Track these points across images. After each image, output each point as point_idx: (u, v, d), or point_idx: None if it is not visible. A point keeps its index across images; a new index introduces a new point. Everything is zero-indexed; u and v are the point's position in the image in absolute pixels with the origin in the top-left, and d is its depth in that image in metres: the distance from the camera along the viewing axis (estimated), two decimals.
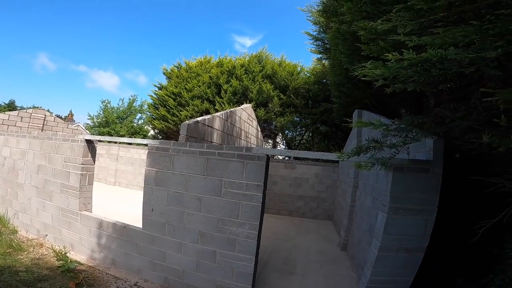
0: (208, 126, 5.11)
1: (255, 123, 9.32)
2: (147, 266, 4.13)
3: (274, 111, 12.35)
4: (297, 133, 13.74)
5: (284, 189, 9.37)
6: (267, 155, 3.41)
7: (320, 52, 9.04)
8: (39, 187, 5.25)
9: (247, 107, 8.16)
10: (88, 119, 22.37)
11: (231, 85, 13.07)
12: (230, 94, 12.87)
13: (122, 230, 4.34)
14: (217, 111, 12.42)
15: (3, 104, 42.29)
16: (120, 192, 11.31)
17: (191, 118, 12.87)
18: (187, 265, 3.76)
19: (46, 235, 5.27)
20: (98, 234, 4.60)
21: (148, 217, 4.04)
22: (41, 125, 10.85)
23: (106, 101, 21.78)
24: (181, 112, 13.16)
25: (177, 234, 3.80)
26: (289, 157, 10.99)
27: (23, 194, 5.60)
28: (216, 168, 3.52)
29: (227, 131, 6.19)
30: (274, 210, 9.23)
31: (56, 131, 11.27)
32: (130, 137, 19.57)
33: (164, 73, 15.71)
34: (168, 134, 14.39)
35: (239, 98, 12.99)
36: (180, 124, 13.20)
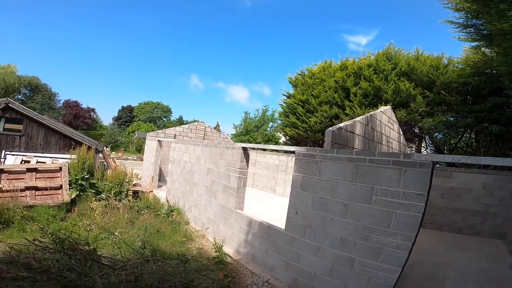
0: (350, 132, 4.96)
1: (396, 126, 8.28)
2: (281, 265, 4.38)
3: (419, 111, 10.55)
4: (452, 135, 11.17)
5: (433, 200, 7.88)
6: (432, 162, 2.93)
7: (474, 40, 8.01)
8: (208, 186, 6.60)
9: (386, 109, 7.36)
10: (232, 128, 26.84)
11: (360, 88, 12.23)
12: (361, 97, 12.04)
13: (266, 229, 4.80)
14: (347, 115, 11.90)
15: (176, 119, 57.32)
16: (256, 194, 12.65)
17: (320, 124, 12.91)
18: (320, 269, 3.76)
19: (208, 227, 6.50)
20: (246, 231, 5.26)
21: (291, 219, 4.29)
22: (203, 135, 13.90)
23: (247, 113, 25.54)
24: (310, 119, 13.45)
25: (317, 237, 3.86)
26: (441, 163, 9.26)
27: (196, 192, 7.20)
28: (367, 175, 3.37)
29: (368, 136, 5.79)
30: None
31: (212, 140, 14.06)
32: (265, 143, 21.84)
33: (289, 82, 16.58)
34: (298, 140, 15.02)
35: (371, 100, 11.94)
36: (310, 131, 13.65)
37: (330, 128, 4.52)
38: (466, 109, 9.81)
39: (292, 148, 4.28)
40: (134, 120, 52.62)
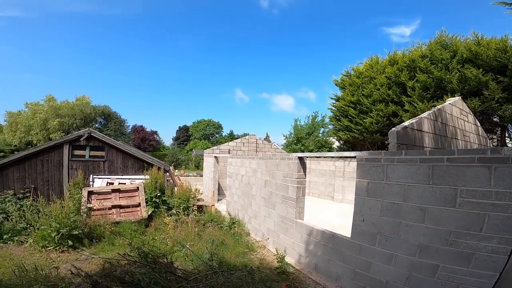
0: (416, 130, 4.56)
1: (470, 117, 7.31)
2: (347, 274, 4.19)
3: (495, 98, 9.21)
4: None
5: None
6: None
7: None
8: (266, 198, 6.70)
9: (456, 100, 6.57)
10: (283, 138, 26.61)
11: (417, 81, 11.31)
12: (420, 90, 11.04)
13: (330, 238, 4.65)
14: (407, 111, 11.00)
15: (227, 134, 60.02)
16: (313, 202, 12.29)
17: (376, 124, 12.17)
18: (394, 277, 3.52)
19: (268, 238, 6.53)
20: (307, 240, 5.17)
21: (358, 227, 4.09)
22: (255, 148, 14.22)
23: (296, 120, 25.19)
24: (364, 120, 12.78)
25: (389, 245, 3.62)
26: None
27: (255, 204, 7.35)
28: (446, 175, 3.07)
29: (439, 132, 5.23)
30: None
31: (265, 151, 14.29)
32: (317, 150, 21.26)
33: (336, 85, 16.08)
34: (353, 143, 14.35)
35: (434, 92, 10.87)
36: (365, 132, 12.94)
37: (393, 128, 4.22)
38: None
39: (352, 154, 4.11)
40: (190, 138, 56.70)
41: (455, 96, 8.61)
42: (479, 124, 8.11)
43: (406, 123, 4.48)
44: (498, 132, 11.30)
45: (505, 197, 2.65)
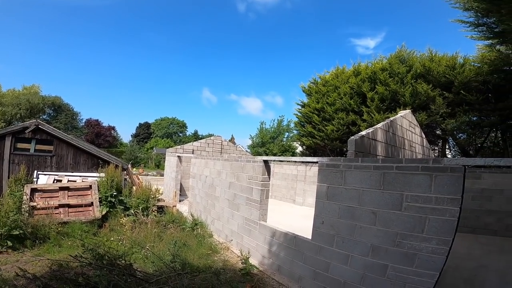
0: (372, 139, 4.95)
1: (417, 129, 8.15)
2: (308, 275, 4.34)
3: (440, 113, 10.34)
4: (477, 135, 10.84)
5: (464, 203, 7.62)
6: (464, 166, 2.92)
7: (487, 38, 8.55)
8: (230, 200, 6.68)
9: (406, 113, 7.28)
10: (249, 139, 26.85)
11: (376, 92, 12.18)
12: (378, 102, 11.95)
13: (292, 240, 4.79)
14: (364, 121, 11.81)
15: (191, 134, 58.45)
16: (276, 205, 12.54)
17: (337, 132, 12.86)
18: (351, 277, 3.71)
19: (231, 240, 6.53)
20: (270, 242, 5.27)
21: (318, 229, 4.27)
22: (220, 149, 14.10)
23: (262, 123, 25.58)
24: (326, 127, 13.41)
25: (346, 246, 3.82)
26: (468, 165, 9.02)
27: (218, 205, 7.28)
28: (395, 182, 3.34)
29: (390, 142, 5.75)
30: None
31: (229, 153, 14.24)
32: (281, 155, 21.73)
33: (303, 91, 16.63)
34: (315, 149, 14.96)
35: (389, 104, 11.83)
36: (327, 139, 13.59)
37: (352, 137, 4.54)
38: (489, 108, 9.59)
39: (314, 159, 4.30)
40: (151, 136, 54.17)
41: (406, 109, 9.49)
42: (424, 136, 9.03)
43: (363, 133, 4.83)
44: (439, 144, 12.68)
45: (443, 202, 2.96)
